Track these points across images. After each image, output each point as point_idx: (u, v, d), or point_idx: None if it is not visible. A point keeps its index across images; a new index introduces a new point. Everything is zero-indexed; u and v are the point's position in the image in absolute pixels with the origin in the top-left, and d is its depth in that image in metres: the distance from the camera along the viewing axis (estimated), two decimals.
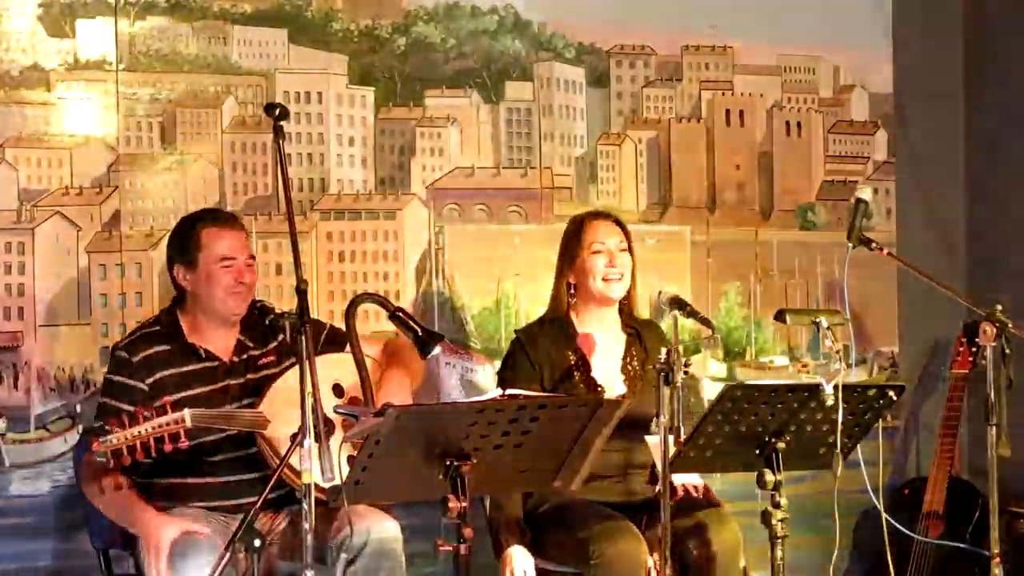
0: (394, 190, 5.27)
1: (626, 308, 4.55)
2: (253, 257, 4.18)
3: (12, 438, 4.63)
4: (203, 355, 4.09)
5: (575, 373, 4.41)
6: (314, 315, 4.07)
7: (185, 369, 4.06)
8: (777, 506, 3.87)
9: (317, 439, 3.34)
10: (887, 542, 4.14)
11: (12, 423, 4.62)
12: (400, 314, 4.11)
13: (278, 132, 3.61)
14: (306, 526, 3.41)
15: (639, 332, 4.54)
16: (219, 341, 4.13)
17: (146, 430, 3.69)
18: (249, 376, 4.13)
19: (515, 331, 4.60)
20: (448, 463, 3.46)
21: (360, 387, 4.01)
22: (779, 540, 3.88)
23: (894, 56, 6.16)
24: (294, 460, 3.42)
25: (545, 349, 4.43)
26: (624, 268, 4.47)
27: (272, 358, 4.18)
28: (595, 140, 5.65)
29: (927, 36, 6.19)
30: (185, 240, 4.11)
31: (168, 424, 3.71)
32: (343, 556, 3.84)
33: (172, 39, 4.92)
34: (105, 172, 4.80)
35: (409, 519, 4.14)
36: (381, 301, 4.21)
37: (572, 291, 4.50)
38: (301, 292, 3.49)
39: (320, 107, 5.16)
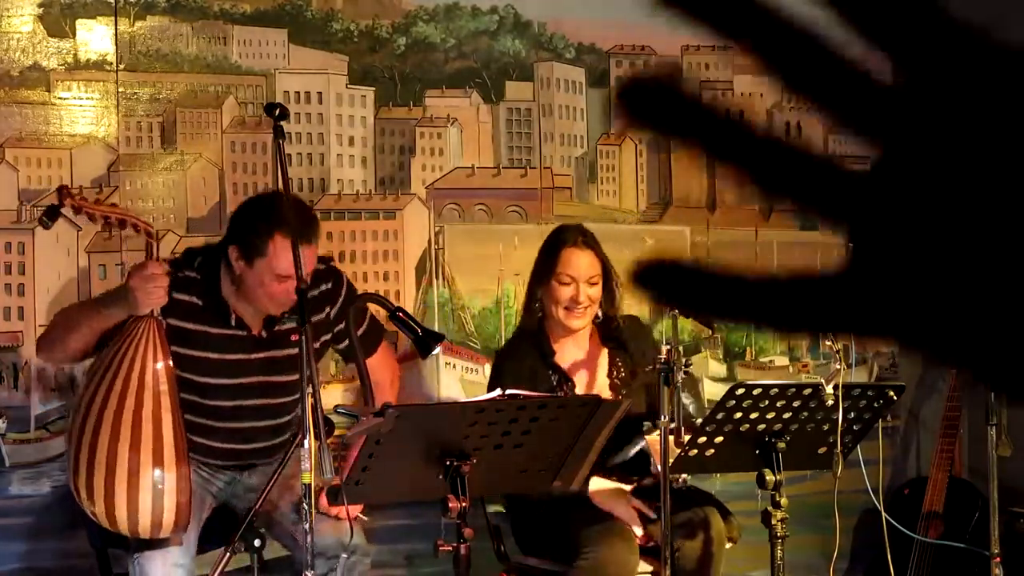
0: (394, 190, 5.26)
1: (604, 324, 4.39)
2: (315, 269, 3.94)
3: (12, 438, 4.62)
4: (234, 323, 3.90)
5: (558, 393, 4.26)
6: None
7: (213, 331, 3.89)
8: (777, 506, 3.87)
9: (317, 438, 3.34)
10: (887, 542, 4.14)
11: (12, 423, 4.62)
12: (400, 314, 4.10)
13: (278, 132, 3.60)
14: (305, 526, 3.41)
15: (620, 340, 4.40)
16: (251, 312, 3.93)
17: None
18: (275, 352, 3.95)
19: (496, 352, 4.55)
20: (448, 463, 3.47)
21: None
22: (779, 540, 3.88)
23: None
24: None
25: (528, 367, 4.30)
26: (591, 302, 4.30)
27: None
28: (595, 140, 5.64)
29: None
30: (253, 234, 3.80)
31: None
32: (343, 557, 3.83)
33: (172, 39, 4.92)
34: (105, 172, 4.80)
35: (409, 519, 4.14)
36: (381, 301, 4.20)
37: (539, 305, 4.36)
38: (301, 292, 3.48)
39: (320, 107, 5.16)
